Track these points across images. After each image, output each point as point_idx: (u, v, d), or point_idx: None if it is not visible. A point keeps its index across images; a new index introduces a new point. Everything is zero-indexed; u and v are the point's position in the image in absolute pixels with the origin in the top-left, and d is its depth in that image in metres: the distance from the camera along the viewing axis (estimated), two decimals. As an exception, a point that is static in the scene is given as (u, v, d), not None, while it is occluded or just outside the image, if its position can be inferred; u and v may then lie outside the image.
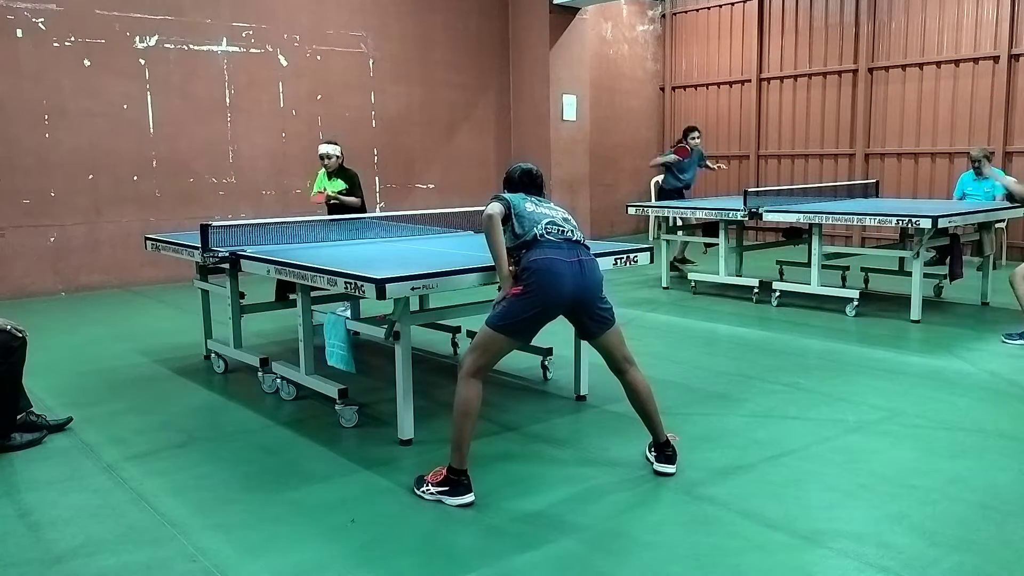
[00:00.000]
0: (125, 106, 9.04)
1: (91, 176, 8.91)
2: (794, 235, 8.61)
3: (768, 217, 7.43)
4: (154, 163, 9.28)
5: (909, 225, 6.75)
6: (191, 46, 9.41)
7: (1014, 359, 5.59)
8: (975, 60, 10.63)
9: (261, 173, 10.02)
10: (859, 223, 8.46)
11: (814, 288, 7.33)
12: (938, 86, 11.03)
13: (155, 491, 3.61)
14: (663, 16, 14.37)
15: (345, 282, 3.87)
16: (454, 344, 6.01)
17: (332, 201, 6.94)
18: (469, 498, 3.39)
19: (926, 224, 6.43)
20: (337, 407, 4.43)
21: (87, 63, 8.79)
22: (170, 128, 9.34)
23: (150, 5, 9.10)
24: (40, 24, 8.49)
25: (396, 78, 11.05)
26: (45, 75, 8.55)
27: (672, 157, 9.47)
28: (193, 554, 3.02)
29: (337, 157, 6.93)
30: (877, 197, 9.20)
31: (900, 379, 5.17)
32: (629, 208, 8.99)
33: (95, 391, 5.22)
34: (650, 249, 4.75)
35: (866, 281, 8.26)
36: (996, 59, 10.41)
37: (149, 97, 9.19)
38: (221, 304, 5.52)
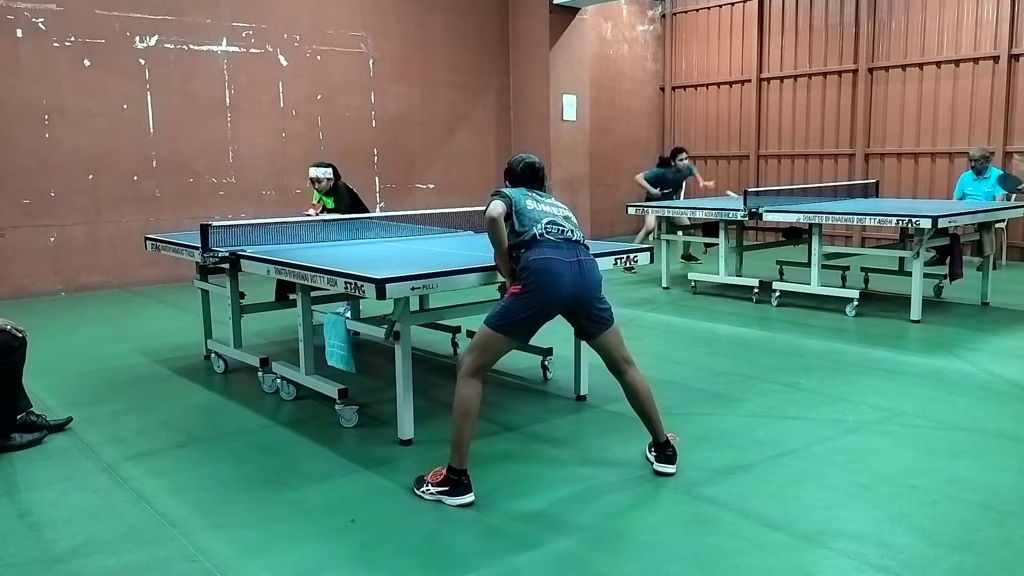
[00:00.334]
0: (125, 106, 9.04)
1: (91, 176, 8.91)
2: (794, 235, 8.61)
3: (768, 217, 7.43)
4: (154, 163, 9.28)
5: (909, 225, 6.75)
6: (191, 46, 9.41)
7: (1014, 359, 5.59)
8: (975, 60, 10.64)
9: (261, 173, 10.02)
10: (859, 223, 8.45)
11: (814, 288, 7.33)
12: (938, 86, 11.03)
13: (155, 491, 3.61)
14: (663, 16, 14.37)
15: (345, 282, 3.86)
16: (454, 344, 6.02)
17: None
18: (469, 498, 3.39)
19: (926, 224, 6.43)
20: (337, 407, 4.43)
21: (87, 63, 8.79)
22: (170, 128, 9.34)
23: (150, 5, 9.10)
24: (40, 24, 8.49)
25: (396, 78, 11.05)
26: (45, 75, 8.55)
27: (654, 191, 9.96)
28: (193, 554, 3.02)
29: (328, 179, 6.62)
30: (877, 197, 9.20)
31: (900, 379, 5.17)
32: (629, 208, 9.01)
33: (95, 391, 5.22)
34: (650, 249, 4.76)
35: (866, 281, 8.26)
36: (996, 59, 10.42)
37: (149, 97, 9.19)
38: (221, 304, 5.52)
